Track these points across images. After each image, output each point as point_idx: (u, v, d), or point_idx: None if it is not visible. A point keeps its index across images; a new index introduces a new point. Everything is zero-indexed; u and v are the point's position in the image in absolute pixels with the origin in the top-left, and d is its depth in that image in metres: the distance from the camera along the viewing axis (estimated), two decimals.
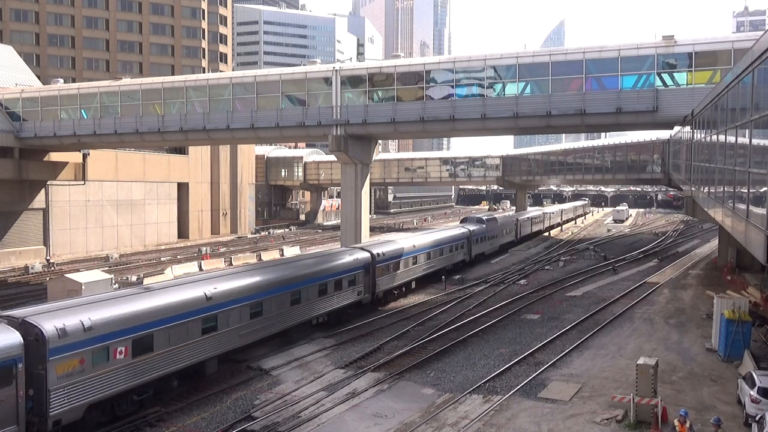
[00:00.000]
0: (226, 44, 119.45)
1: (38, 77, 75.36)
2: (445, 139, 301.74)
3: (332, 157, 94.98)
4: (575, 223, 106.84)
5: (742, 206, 15.49)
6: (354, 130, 42.15)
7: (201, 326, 22.82)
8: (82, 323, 18.56)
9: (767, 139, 13.03)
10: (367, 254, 35.69)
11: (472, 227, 55.16)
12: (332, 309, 31.86)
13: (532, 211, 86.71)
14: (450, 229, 53.51)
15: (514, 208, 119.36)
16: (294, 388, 23.44)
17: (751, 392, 18.68)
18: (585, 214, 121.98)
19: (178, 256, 63.20)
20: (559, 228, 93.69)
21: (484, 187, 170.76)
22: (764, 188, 12.90)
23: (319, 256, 34.06)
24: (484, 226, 57.69)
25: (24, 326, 17.63)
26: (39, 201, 59.39)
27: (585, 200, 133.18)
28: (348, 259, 34.00)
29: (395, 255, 38.81)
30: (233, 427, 20.02)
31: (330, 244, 67.87)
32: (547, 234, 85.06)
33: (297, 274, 29.32)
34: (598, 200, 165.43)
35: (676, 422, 16.87)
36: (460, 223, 60.41)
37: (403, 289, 40.91)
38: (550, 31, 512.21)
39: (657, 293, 41.44)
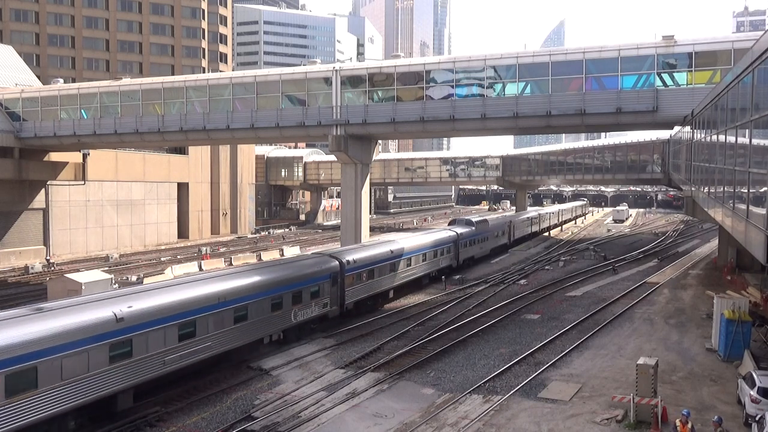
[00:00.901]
0: (226, 44, 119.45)
1: (38, 77, 75.37)
2: (445, 139, 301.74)
3: (332, 157, 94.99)
4: (575, 223, 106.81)
5: (742, 206, 15.49)
6: (354, 130, 42.14)
7: (109, 353, 19.25)
8: None
9: (767, 139, 13.03)
10: (335, 262, 32.59)
11: (460, 230, 51.84)
12: (289, 326, 28.48)
13: (528, 212, 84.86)
14: (435, 232, 49.98)
15: (514, 208, 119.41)
16: (294, 388, 23.43)
17: (751, 392, 18.68)
18: (584, 214, 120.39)
19: (178, 256, 63.22)
20: (558, 229, 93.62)
21: (484, 187, 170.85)
22: (764, 188, 12.90)
23: (274, 265, 30.42)
24: (473, 228, 54.67)
25: None
26: (39, 201, 59.39)
27: (584, 200, 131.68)
28: (311, 268, 30.70)
29: (369, 262, 35.74)
30: (233, 427, 20.01)
31: (330, 244, 67.88)
32: (547, 234, 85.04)
33: (242, 286, 25.74)
34: (598, 200, 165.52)
35: (677, 422, 16.86)
36: (448, 225, 57.37)
37: (380, 299, 37.82)
38: (550, 31, 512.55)
39: (657, 293, 41.44)
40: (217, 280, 25.49)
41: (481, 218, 60.34)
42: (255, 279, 26.93)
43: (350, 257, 34.09)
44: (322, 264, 31.78)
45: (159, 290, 23.10)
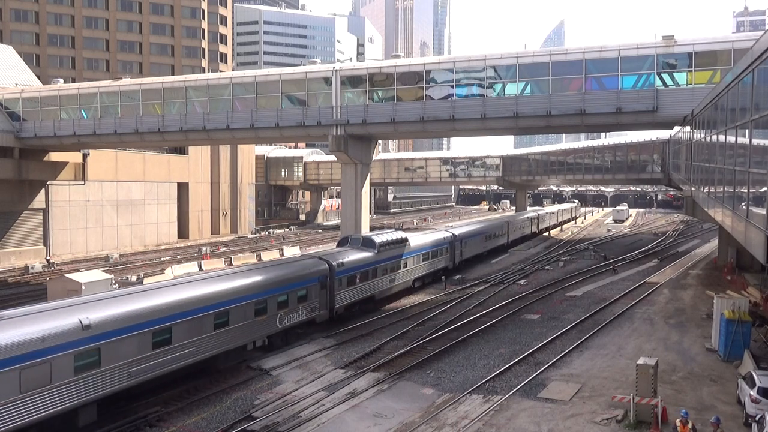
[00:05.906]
0: (226, 44, 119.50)
1: (38, 77, 75.39)
2: (445, 139, 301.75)
3: (332, 157, 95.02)
4: (574, 223, 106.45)
5: (743, 206, 15.49)
6: (354, 130, 42.15)
7: None
8: None
9: (767, 139, 13.03)
10: None
11: (343, 258, 33.12)
12: None
13: (490, 220, 69.37)
14: (283, 264, 30.34)
15: (514, 208, 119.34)
16: (294, 388, 23.44)
17: (751, 392, 18.69)
18: (574, 218, 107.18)
19: (178, 256, 63.21)
20: (558, 229, 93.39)
21: (484, 187, 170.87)
22: (764, 188, 12.90)
23: None
24: (373, 253, 35.91)
25: None
26: (39, 201, 59.39)
27: (575, 202, 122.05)
28: None
29: (53, 344, 17.26)
30: (233, 427, 20.01)
31: (329, 244, 67.81)
32: (546, 234, 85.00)
33: None
34: (598, 200, 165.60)
35: (677, 423, 16.84)
36: (337, 246, 38.71)
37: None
38: (550, 31, 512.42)
39: (657, 293, 41.44)
40: None
41: (396, 237, 39.46)
42: None
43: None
44: None
45: None
